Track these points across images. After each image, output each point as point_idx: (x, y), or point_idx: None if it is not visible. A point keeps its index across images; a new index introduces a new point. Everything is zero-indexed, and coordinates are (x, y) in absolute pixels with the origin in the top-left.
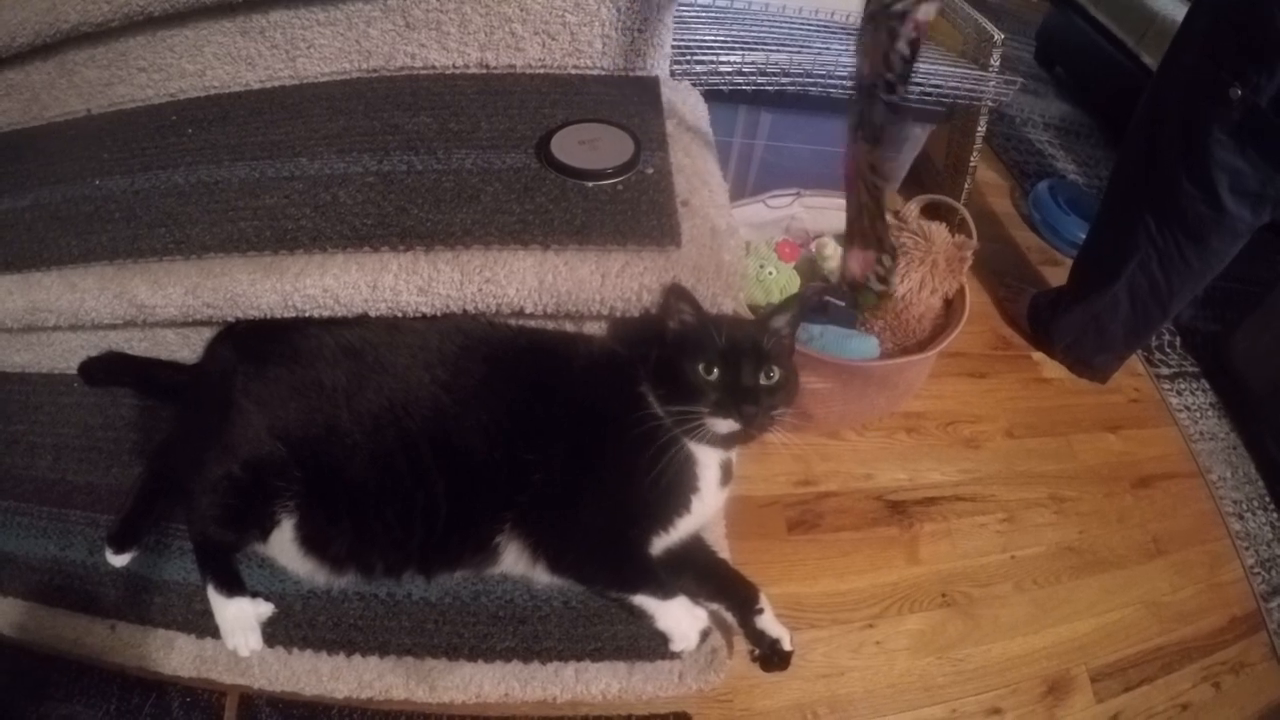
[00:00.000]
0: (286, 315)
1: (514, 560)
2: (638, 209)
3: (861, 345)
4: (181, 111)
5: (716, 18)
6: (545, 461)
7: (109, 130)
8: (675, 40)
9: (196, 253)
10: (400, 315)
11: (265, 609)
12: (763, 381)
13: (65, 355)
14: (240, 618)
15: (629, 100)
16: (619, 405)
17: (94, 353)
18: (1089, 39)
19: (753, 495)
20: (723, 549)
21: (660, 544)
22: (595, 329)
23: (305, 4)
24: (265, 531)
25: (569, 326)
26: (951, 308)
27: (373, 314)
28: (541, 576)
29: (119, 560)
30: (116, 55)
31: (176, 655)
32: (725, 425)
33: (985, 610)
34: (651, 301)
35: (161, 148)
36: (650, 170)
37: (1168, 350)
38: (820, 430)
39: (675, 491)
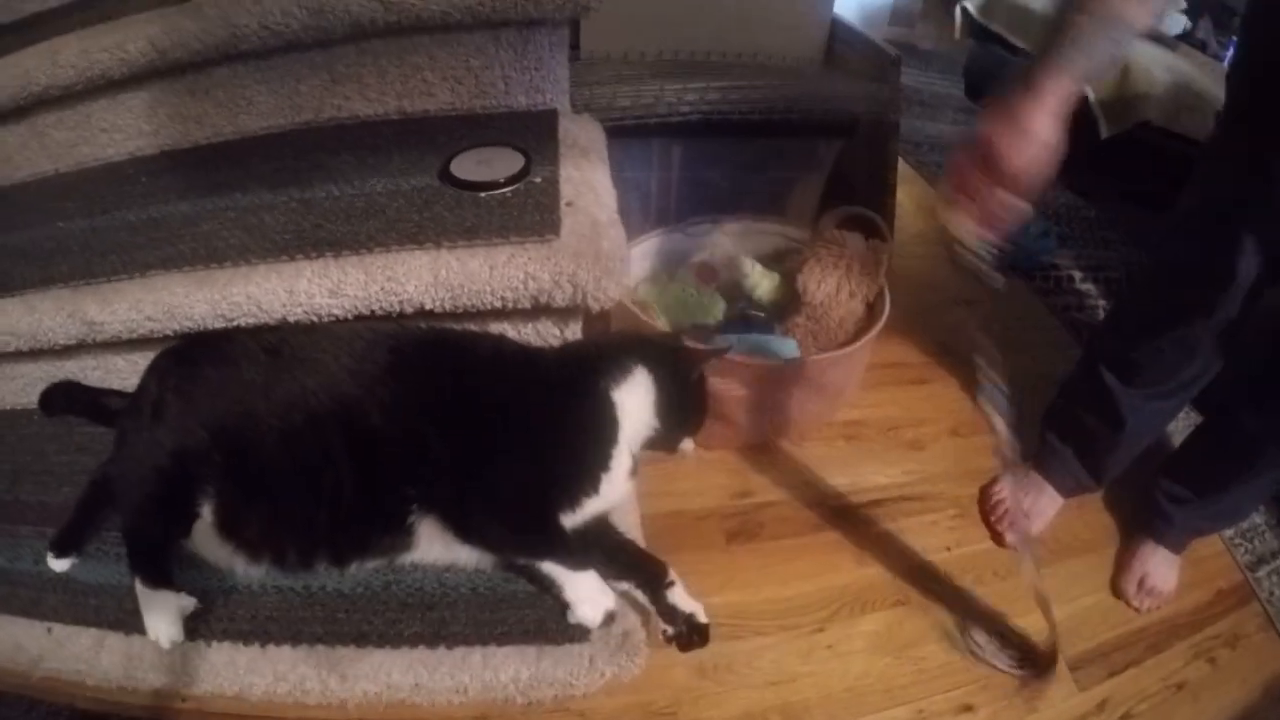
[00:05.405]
0: (217, 325)
1: (429, 540)
2: (524, 210)
3: (780, 347)
4: (138, 165)
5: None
6: (448, 437)
7: (74, 185)
8: (575, 77)
9: (140, 271)
10: (316, 319)
11: (188, 602)
12: None
13: (25, 389)
14: (164, 610)
15: (529, 129)
16: (549, 383)
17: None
18: (1012, 66)
19: (687, 509)
20: (637, 536)
21: (568, 522)
22: (499, 330)
23: (242, 61)
24: (189, 523)
25: (473, 327)
26: (873, 311)
27: (291, 318)
28: (459, 553)
29: (60, 565)
30: (81, 118)
31: (106, 654)
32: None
33: (944, 606)
34: (536, 289)
35: (118, 194)
36: (539, 180)
37: None
38: (749, 439)
39: (588, 467)
